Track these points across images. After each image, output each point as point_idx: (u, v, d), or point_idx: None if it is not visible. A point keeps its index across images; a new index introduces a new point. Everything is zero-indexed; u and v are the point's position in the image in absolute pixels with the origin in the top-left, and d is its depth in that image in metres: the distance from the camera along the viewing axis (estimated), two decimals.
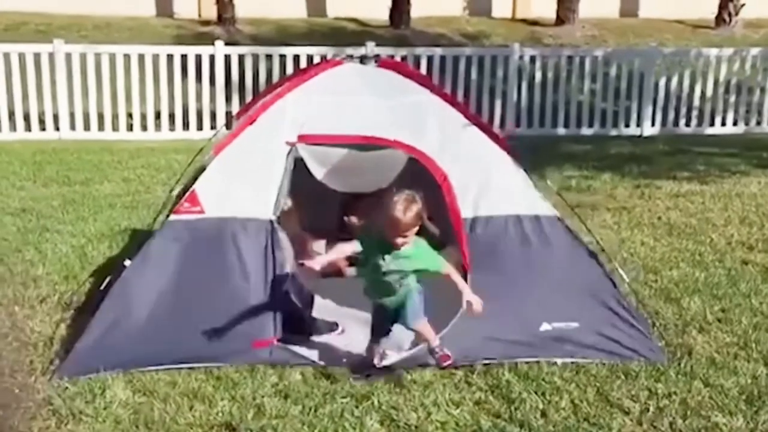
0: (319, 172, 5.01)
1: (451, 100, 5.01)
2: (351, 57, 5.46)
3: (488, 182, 4.76)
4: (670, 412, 4.00)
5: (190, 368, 4.32)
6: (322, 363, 4.43)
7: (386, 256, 4.17)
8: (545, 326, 4.54)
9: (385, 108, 4.87)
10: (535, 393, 4.16)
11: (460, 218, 4.64)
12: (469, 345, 4.44)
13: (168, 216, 4.72)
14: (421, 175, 5.20)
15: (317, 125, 4.73)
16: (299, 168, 5.11)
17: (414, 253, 4.18)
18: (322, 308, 5.05)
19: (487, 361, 4.42)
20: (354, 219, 5.75)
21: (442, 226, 5.07)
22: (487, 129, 5.18)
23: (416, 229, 4.13)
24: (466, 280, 4.37)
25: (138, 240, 6.23)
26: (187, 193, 4.68)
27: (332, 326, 4.82)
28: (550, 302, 4.58)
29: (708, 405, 4.08)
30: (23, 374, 4.32)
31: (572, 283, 4.64)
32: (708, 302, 5.42)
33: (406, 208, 4.08)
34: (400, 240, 4.11)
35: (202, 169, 4.97)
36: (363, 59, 5.55)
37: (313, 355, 4.48)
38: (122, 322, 4.38)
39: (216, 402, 4.03)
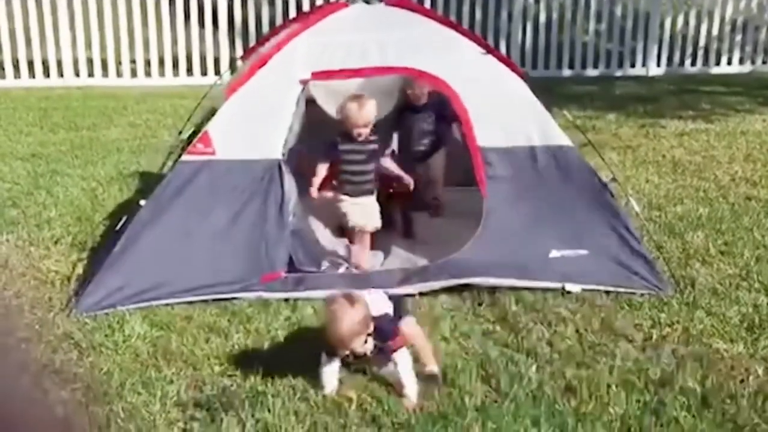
0: (332, 109, 5.07)
1: (464, 31, 4.96)
2: None
3: (505, 111, 4.79)
4: (672, 340, 4.10)
5: (204, 303, 4.43)
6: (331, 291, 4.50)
7: None
8: (554, 253, 4.63)
9: (396, 40, 4.87)
10: (541, 323, 4.26)
11: (476, 144, 4.70)
12: (477, 267, 4.55)
13: (180, 157, 4.78)
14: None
15: (330, 64, 4.75)
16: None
17: None
18: (329, 243, 5.18)
19: (495, 283, 4.53)
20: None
21: (460, 163, 5.13)
22: (503, 58, 5.17)
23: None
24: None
25: (147, 182, 6.34)
26: (200, 134, 4.73)
27: (339, 262, 4.92)
28: (560, 230, 4.66)
29: (709, 333, 4.18)
30: (42, 310, 4.44)
31: (584, 212, 4.70)
32: (711, 236, 5.50)
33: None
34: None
35: (212, 112, 5.00)
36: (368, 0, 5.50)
37: (322, 284, 4.56)
38: (137, 260, 4.47)
39: (231, 335, 4.15)
